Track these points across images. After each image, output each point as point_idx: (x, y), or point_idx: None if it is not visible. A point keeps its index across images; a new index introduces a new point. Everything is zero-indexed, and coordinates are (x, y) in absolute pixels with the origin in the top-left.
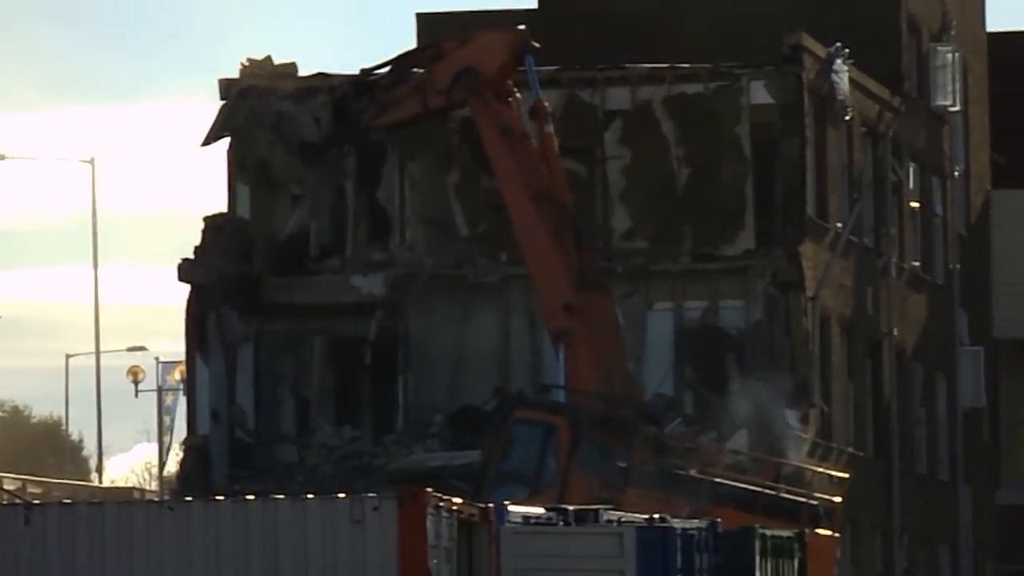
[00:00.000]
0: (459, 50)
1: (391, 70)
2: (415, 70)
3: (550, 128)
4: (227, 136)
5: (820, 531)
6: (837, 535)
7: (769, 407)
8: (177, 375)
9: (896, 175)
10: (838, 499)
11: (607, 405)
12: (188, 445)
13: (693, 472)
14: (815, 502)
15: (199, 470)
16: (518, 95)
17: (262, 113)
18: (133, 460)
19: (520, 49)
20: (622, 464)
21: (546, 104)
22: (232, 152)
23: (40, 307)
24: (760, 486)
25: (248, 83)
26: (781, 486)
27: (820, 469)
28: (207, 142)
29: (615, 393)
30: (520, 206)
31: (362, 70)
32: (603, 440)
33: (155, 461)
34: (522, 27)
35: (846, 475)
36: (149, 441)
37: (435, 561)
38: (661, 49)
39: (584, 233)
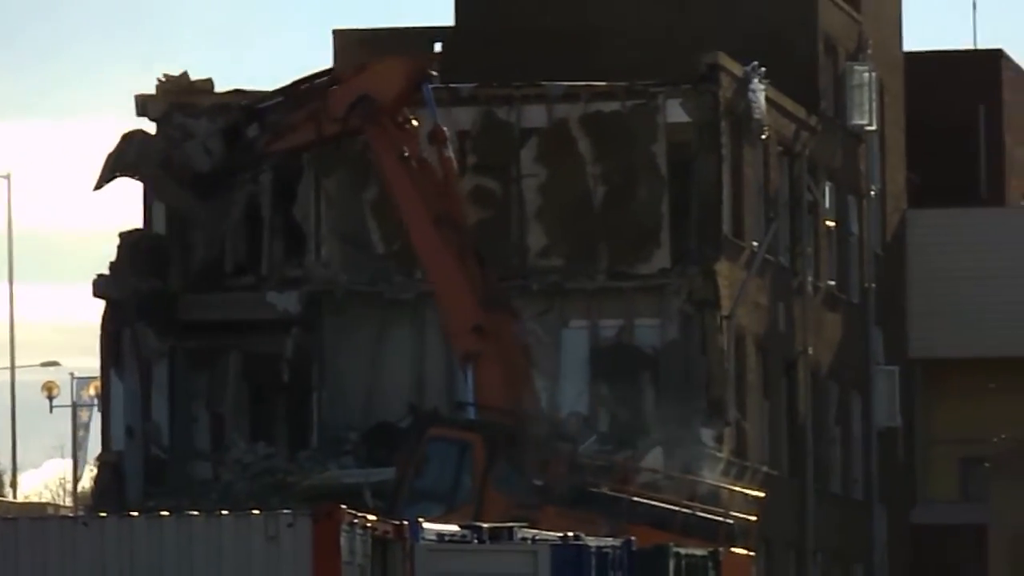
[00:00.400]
0: (355, 77)
1: (285, 97)
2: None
3: (449, 152)
4: (119, 177)
5: (735, 550)
6: (752, 554)
7: (684, 426)
8: (92, 391)
9: (812, 194)
10: (753, 518)
11: (519, 423)
12: (103, 461)
13: (607, 490)
14: (731, 521)
15: (114, 486)
16: (414, 122)
17: (150, 152)
18: (46, 476)
19: (418, 78)
20: (537, 482)
21: (444, 128)
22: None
23: None
24: (676, 505)
25: (161, 102)
26: (696, 505)
27: (735, 488)
28: (99, 186)
29: (526, 412)
30: (422, 231)
31: (250, 106)
32: (518, 458)
33: (69, 477)
34: (423, 55)
35: (761, 494)
36: (63, 457)
37: None
38: (578, 67)
39: (486, 255)
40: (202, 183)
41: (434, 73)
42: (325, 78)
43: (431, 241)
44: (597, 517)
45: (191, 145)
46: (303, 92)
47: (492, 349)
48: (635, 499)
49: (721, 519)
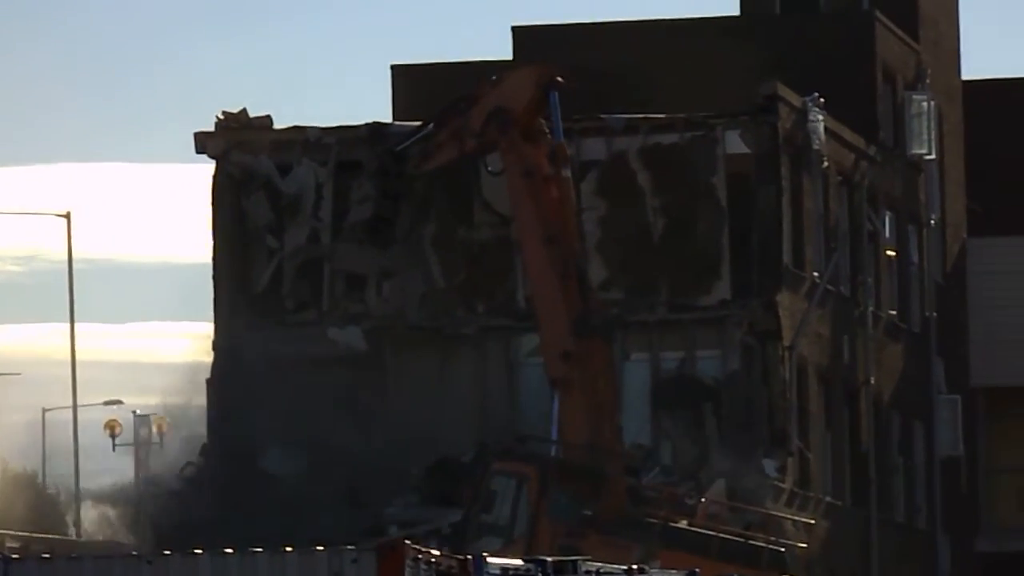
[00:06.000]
0: (491, 91)
1: (434, 118)
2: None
3: (567, 172)
4: None
5: None
6: None
7: (746, 457)
8: (155, 428)
9: (872, 224)
10: (803, 545)
11: (592, 457)
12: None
13: (654, 519)
14: (782, 548)
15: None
16: (549, 136)
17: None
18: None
19: (546, 84)
20: (587, 512)
21: (566, 148)
22: (221, 210)
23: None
24: (728, 533)
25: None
26: (742, 532)
27: (787, 515)
28: None
29: (603, 444)
30: (533, 249)
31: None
32: (573, 488)
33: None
34: (551, 64)
35: (812, 521)
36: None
37: None
38: (637, 99)
39: (590, 280)
40: (374, 233)
41: (561, 80)
42: (469, 97)
43: (539, 260)
44: (634, 544)
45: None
46: (446, 112)
47: (579, 377)
48: (671, 525)
49: (765, 545)
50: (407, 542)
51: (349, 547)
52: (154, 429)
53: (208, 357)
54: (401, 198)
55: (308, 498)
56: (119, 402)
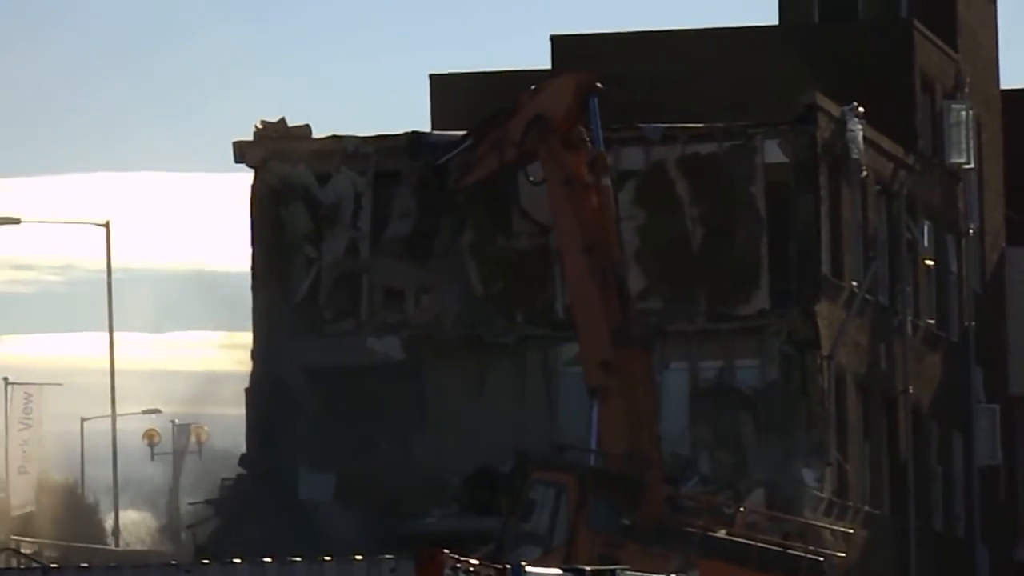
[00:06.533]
0: (530, 100)
1: (472, 133)
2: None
3: (607, 181)
4: None
5: None
6: None
7: (785, 466)
8: (193, 437)
9: (911, 233)
10: (841, 554)
11: (630, 465)
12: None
13: (694, 528)
14: (820, 558)
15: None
16: (589, 145)
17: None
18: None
19: (585, 91)
20: (626, 521)
21: (606, 156)
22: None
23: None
24: (766, 542)
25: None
26: (781, 541)
27: (825, 525)
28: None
29: (642, 453)
30: (572, 258)
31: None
32: (612, 497)
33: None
34: (590, 71)
35: (851, 530)
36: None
37: None
38: (675, 109)
39: (629, 289)
40: (413, 248)
41: (600, 85)
42: (508, 110)
43: (578, 269)
44: (672, 553)
45: (389, 210)
46: (485, 125)
47: (618, 385)
48: (710, 534)
49: (804, 555)
50: (445, 551)
51: (387, 556)
52: (192, 438)
53: (246, 367)
54: (442, 213)
55: (343, 510)
56: (157, 411)
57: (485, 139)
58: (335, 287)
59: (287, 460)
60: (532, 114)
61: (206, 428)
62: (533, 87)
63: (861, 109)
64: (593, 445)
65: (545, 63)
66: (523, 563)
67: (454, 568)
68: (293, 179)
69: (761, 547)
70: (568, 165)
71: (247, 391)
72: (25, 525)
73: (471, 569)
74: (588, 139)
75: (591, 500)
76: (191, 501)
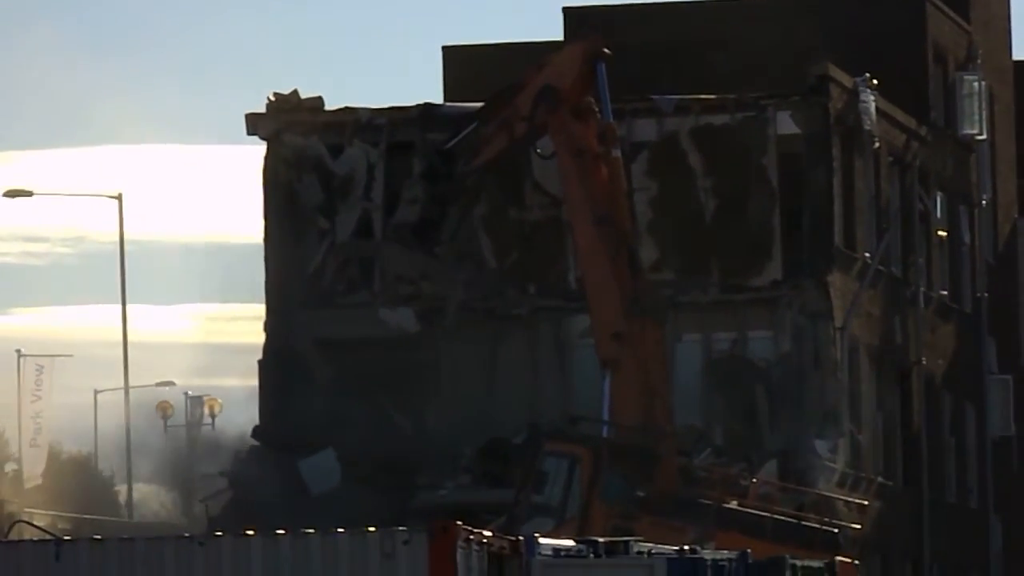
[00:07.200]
0: (537, 74)
1: (480, 112)
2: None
3: (618, 152)
4: None
5: (839, 558)
6: (855, 562)
7: (798, 438)
8: (207, 409)
9: (923, 204)
10: (857, 526)
11: (644, 437)
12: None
13: (706, 499)
14: (835, 530)
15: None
16: (599, 115)
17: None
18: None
19: (592, 56)
20: (640, 494)
21: (615, 128)
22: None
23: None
24: (780, 514)
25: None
26: (797, 513)
27: (841, 496)
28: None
29: (655, 425)
30: (583, 229)
31: (440, 148)
32: (626, 469)
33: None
34: (596, 36)
35: (866, 502)
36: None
37: None
38: (687, 80)
39: (641, 261)
40: (421, 235)
41: (607, 52)
42: (514, 86)
43: (589, 240)
44: (688, 525)
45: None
46: (492, 103)
47: (630, 357)
48: (724, 506)
49: (819, 527)
50: (458, 523)
51: (401, 528)
52: (206, 410)
53: (259, 338)
54: (449, 203)
55: (357, 480)
56: (171, 383)
57: (493, 118)
58: (347, 260)
59: (301, 429)
60: (541, 85)
61: (219, 400)
62: (539, 63)
63: (874, 80)
64: (606, 417)
65: (558, 34)
66: (536, 535)
67: (467, 540)
68: (306, 151)
69: (776, 519)
70: (578, 136)
71: (260, 363)
72: (36, 497)
73: (484, 541)
74: (597, 111)
75: (604, 472)
76: (204, 473)
